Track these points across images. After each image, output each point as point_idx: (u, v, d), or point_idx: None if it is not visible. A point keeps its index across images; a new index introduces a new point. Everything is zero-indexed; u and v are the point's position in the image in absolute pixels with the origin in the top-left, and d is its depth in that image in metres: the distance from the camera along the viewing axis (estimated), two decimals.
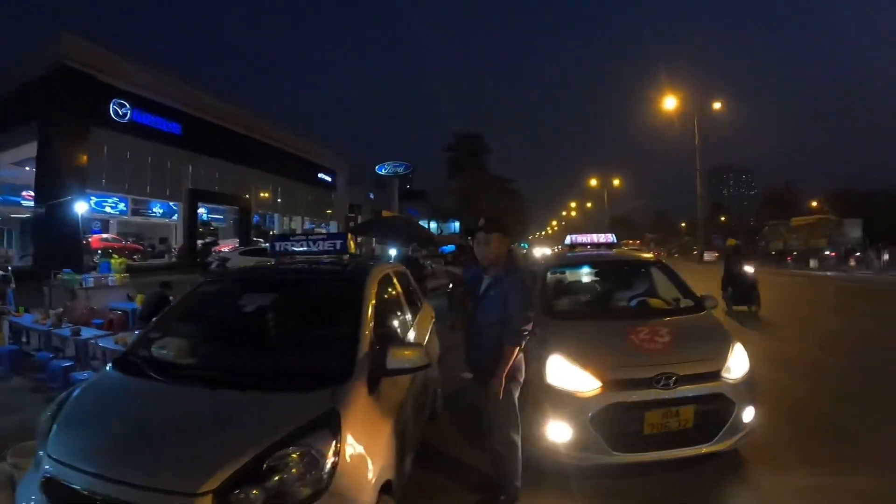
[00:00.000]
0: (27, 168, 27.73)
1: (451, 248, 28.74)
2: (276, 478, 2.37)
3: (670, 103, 31.93)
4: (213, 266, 21.32)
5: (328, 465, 2.47)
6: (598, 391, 4.18)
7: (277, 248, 4.98)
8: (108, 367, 3.56)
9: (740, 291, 13.62)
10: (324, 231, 51.87)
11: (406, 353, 3.31)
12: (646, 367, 4.26)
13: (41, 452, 2.70)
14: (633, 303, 6.09)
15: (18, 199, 30.51)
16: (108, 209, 33.19)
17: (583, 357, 4.40)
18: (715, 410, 4.19)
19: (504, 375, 3.74)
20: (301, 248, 4.90)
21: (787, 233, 50.81)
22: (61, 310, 9.95)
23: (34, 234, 26.27)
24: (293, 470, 2.41)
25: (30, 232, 27.36)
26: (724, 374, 4.32)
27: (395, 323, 4.50)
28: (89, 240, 29.08)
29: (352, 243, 4.91)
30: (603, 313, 5.83)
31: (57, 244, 22.09)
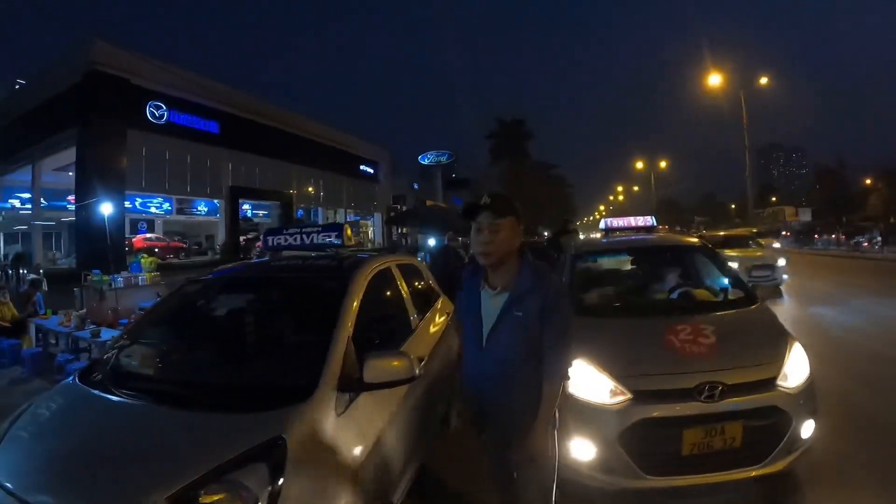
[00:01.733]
0: (69, 173, 28.24)
1: None
2: None
3: (716, 80, 30.75)
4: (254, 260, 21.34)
5: None
6: (627, 404, 3.51)
7: (270, 243, 4.46)
8: (72, 378, 3.25)
9: None
10: (370, 223, 52.00)
11: (388, 362, 2.75)
12: (686, 374, 3.56)
13: None
14: (675, 294, 5.22)
15: (64, 203, 31.06)
16: (153, 209, 34.09)
17: (611, 362, 3.72)
18: (768, 426, 3.47)
19: (545, 431, 2.53)
20: (295, 242, 4.37)
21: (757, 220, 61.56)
22: (84, 311, 9.86)
23: (76, 236, 26.80)
24: None
25: (72, 234, 27.92)
26: (780, 383, 3.58)
27: (392, 325, 3.90)
28: (132, 240, 29.69)
29: (349, 234, 4.38)
30: (638, 308, 5.03)
31: (96, 245, 22.34)
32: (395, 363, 2.75)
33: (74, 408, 2.90)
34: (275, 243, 4.44)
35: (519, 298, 2.53)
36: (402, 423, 3.18)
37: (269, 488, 2.08)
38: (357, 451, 2.61)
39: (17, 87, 44.31)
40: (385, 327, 3.72)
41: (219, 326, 3.98)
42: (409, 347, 3.69)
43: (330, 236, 4.26)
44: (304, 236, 4.34)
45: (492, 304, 2.61)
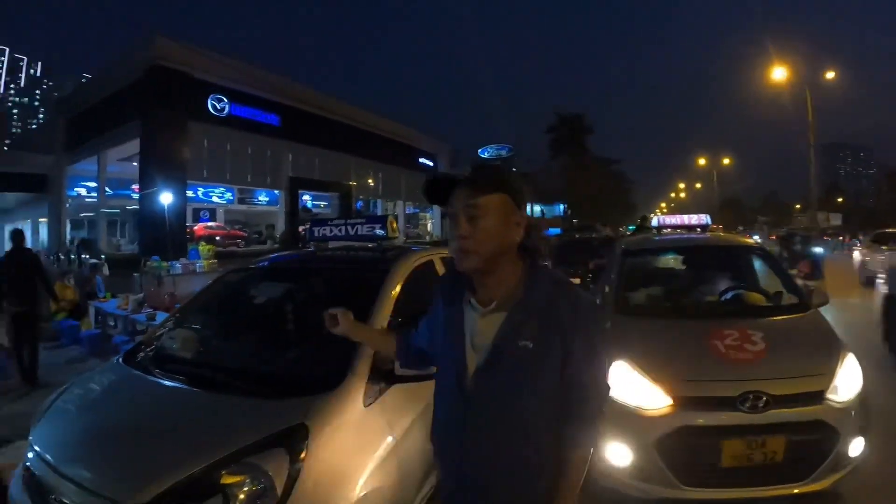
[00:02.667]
0: (134, 163, 29.18)
1: (556, 231, 28.06)
2: (219, 498, 2.04)
3: (780, 74, 29.79)
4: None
5: (278, 492, 2.08)
6: (667, 410, 3.38)
7: (316, 234, 4.51)
8: (117, 358, 3.44)
9: None
10: (429, 216, 52.16)
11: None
12: (729, 382, 3.41)
13: (30, 439, 2.65)
14: (725, 297, 5.01)
15: (129, 192, 32.11)
16: (215, 198, 35.13)
17: (653, 366, 3.60)
18: (813, 441, 3.29)
19: None
20: (340, 233, 4.39)
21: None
22: (142, 295, 10.19)
23: (139, 223, 27.81)
24: (238, 491, 2.06)
25: (136, 222, 28.95)
26: (829, 396, 3.39)
27: None
28: (193, 228, 30.55)
29: (394, 226, 4.37)
30: (685, 310, 4.82)
31: (158, 233, 23.03)
32: None
33: (114, 386, 3.03)
34: (320, 234, 4.48)
35: (526, 318, 1.60)
36: (430, 420, 3.11)
37: (288, 473, 2.12)
38: (382, 444, 2.59)
39: (83, 80, 45.89)
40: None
41: (258, 314, 4.05)
42: None
43: (375, 228, 4.26)
44: (350, 227, 4.36)
45: (479, 326, 1.66)
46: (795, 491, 3.30)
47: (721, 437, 3.27)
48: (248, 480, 2.08)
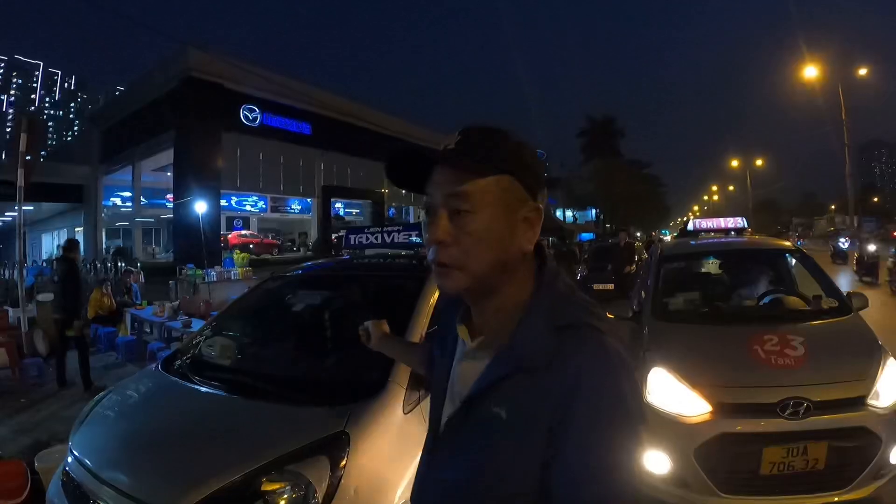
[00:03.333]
0: (168, 173, 29.77)
1: (589, 235, 27.90)
2: None
3: (812, 72, 29.34)
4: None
5: (319, 500, 2.08)
6: (707, 417, 3.35)
7: (352, 241, 4.53)
8: (155, 365, 3.46)
9: None
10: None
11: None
12: (770, 388, 3.36)
13: (69, 444, 2.65)
14: (764, 301, 4.95)
15: (164, 201, 32.72)
16: (248, 207, 35.64)
17: (692, 372, 3.56)
18: (854, 448, 3.23)
19: None
20: (376, 241, 4.39)
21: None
22: (177, 303, 10.35)
23: (174, 232, 28.19)
24: (279, 499, 2.07)
25: (170, 231, 29.53)
26: (871, 402, 3.33)
27: None
28: (227, 237, 31.00)
29: None
30: (724, 315, 4.80)
31: (192, 241, 23.40)
32: None
33: (153, 393, 3.06)
34: (357, 241, 4.51)
35: (507, 371, 0.98)
36: None
37: (329, 481, 2.12)
38: (420, 452, 2.58)
39: (117, 93, 46.99)
40: None
41: (296, 322, 4.07)
42: None
43: (411, 235, 4.29)
44: (386, 235, 4.39)
45: (462, 368, 1.14)
46: (837, 499, 3.25)
47: (761, 445, 3.23)
48: (288, 488, 2.08)
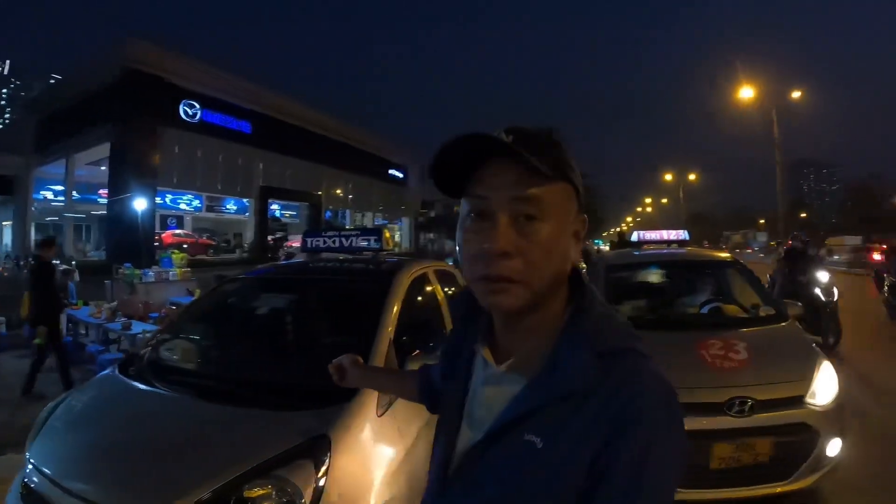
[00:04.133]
0: (102, 168, 28.86)
1: None
2: None
3: (748, 93, 30.51)
4: (281, 260, 21.68)
5: (306, 502, 2.07)
6: None
7: (309, 245, 4.55)
8: (111, 369, 3.31)
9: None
10: (397, 227, 52.17)
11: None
12: (717, 389, 3.62)
13: (27, 454, 2.55)
14: (706, 309, 5.32)
15: (96, 196, 31.69)
16: (183, 206, 34.78)
17: None
18: (795, 443, 3.52)
19: None
20: (334, 245, 4.45)
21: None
22: (115, 304, 10.04)
23: (106, 229, 27.31)
24: None
25: (103, 228, 28.61)
26: (809, 400, 3.63)
27: (429, 330, 3.80)
28: (161, 236, 30.19)
29: (389, 239, 4.44)
30: (670, 322, 5.08)
31: (126, 239, 22.76)
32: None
33: (115, 398, 2.93)
34: (314, 245, 4.54)
35: (545, 399, 0.90)
36: (434, 429, 3.12)
37: (314, 485, 2.11)
38: (395, 452, 2.63)
39: (52, 81, 45.45)
40: (422, 331, 3.67)
41: (261, 325, 4.04)
42: None
43: (369, 240, 4.33)
44: (344, 239, 4.43)
45: (486, 393, 1.04)
46: (779, 490, 3.51)
47: (711, 441, 3.46)
48: (274, 493, 2.06)
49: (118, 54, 26.45)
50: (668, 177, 68.68)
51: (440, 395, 1.27)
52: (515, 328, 0.98)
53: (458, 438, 1.05)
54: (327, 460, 2.20)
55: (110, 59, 26.99)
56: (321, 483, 2.13)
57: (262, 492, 2.05)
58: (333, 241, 4.46)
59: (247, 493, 2.04)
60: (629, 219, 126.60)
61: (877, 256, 28.55)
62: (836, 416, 3.68)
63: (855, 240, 41.80)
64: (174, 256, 15.69)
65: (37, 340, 6.86)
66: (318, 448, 2.22)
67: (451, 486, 1.02)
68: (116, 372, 3.18)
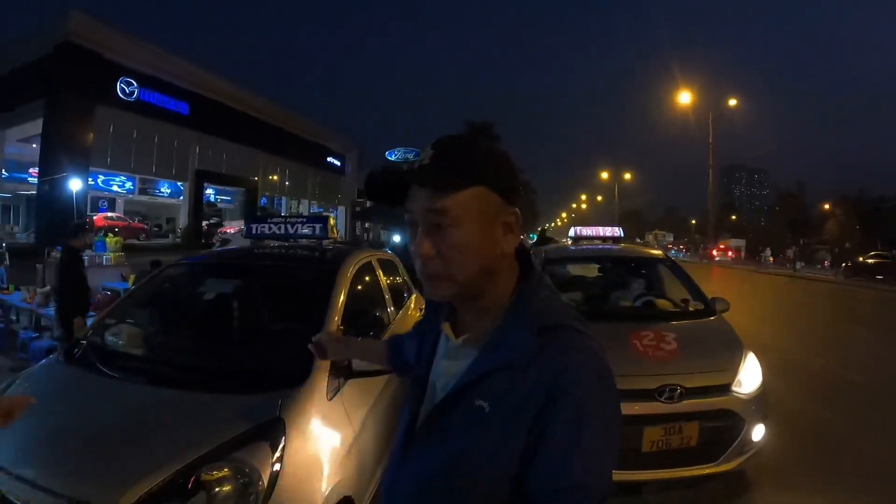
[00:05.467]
0: (34, 145, 27.62)
1: None
2: (202, 495, 2.01)
3: (685, 98, 31.38)
4: (216, 247, 21.23)
5: (264, 484, 2.10)
6: None
7: (254, 231, 4.56)
8: (55, 356, 3.24)
9: None
10: (332, 215, 51.73)
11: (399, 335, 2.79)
12: (648, 376, 3.83)
13: None
14: (639, 303, 5.55)
15: (25, 175, 30.39)
16: (115, 188, 33.59)
17: None
18: (722, 428, 3.79)
19: None
20: (279, 231, 4.49)
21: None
22: (48, 288, 9.70)
23: (36, 210, 26.28)
24: (223, 487, 2.05)
25: (32, 208, 27.46)
26: (735, 388, 3.90)
27: (372, 316, 3.91)
28: (93, 218, 29.12)
29: (334, 227, 4.52)
30: (604, 314, 5.28)
31: (58, 221, 22.00)
32: None
33: (62, 387, 2.87)
34: (258, 231, 4.55)
35: (492, 369, 1.03)
36: (379, 413, 3.26)
37: (271, 468, 2.15)
38: (344, 435, 2.72)
39: None
40: (367, 318, 3.77)
41: (208, 310, 4.04)
42: None
43: (314, 228, 4.39)
44: (289, 226, 4.46)
45: (445, 365, 1.18)
46: (707, 471, 3.78)
47: (642, 425, 3.67)
48: (232, 476, 2.08)
49: (57, 27, 25.19)
50: (605, 175, 70.14)
51: (407, 364, 1.54)
52: (469, 309, 1.14)
53: (421, 406, 1.19)
54: (283, 442, 2.25)
55: (47, 31, 25.72)
56: (276, 466, 2.18)
57: (220, 474, 2.07)
58: (279, 228, 4.49)
59: (205, 477, 2.04)
60: (563, 215, 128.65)
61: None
62: (760, 404, 3.97)
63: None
64: (108, 240, 15.24)
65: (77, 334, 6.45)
66: (273, 430, 2.27)
67: (414, 447, 1.14)
68: (61, 359, 3.13)
